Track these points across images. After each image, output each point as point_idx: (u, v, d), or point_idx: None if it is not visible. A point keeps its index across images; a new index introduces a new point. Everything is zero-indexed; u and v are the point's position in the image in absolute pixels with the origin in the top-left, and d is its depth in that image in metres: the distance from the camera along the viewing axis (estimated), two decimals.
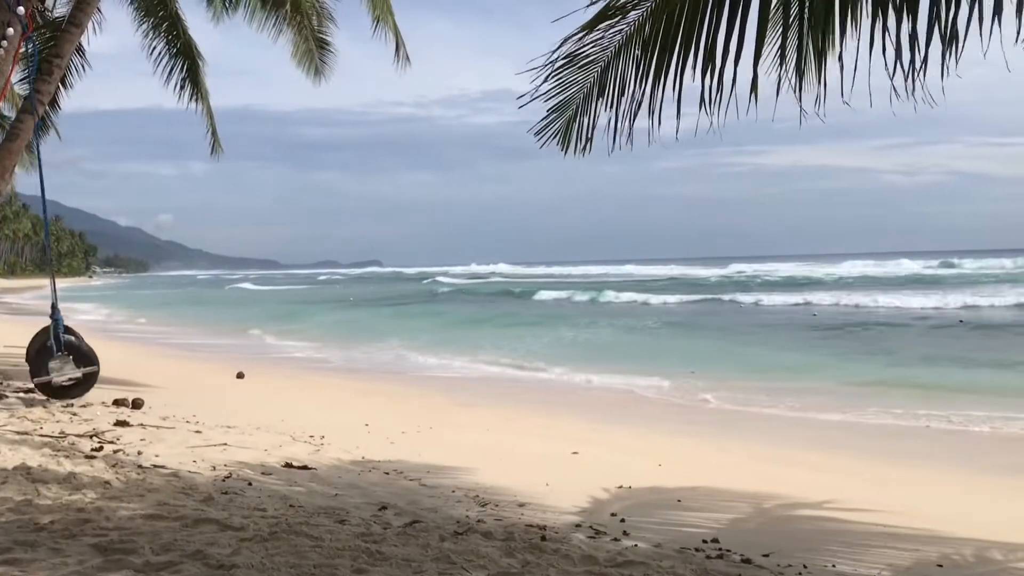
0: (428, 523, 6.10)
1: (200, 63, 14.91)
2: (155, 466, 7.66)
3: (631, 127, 4.21)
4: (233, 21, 14.19)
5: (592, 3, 4.09)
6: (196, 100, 15.14)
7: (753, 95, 3.70)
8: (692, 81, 3.87)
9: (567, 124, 4.60)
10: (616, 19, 4.18)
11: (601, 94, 4.40)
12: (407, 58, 14.97)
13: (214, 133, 16.08)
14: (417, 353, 23.20)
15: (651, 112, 4.08)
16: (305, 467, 8.34)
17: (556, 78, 4.43)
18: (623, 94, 4.26)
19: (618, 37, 4.25)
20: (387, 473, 8.40)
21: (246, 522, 5.64)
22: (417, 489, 7.73)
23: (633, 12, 4.14)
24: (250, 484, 7.27)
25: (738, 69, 3.74)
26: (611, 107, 4.33)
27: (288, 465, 8.35)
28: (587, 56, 4.38)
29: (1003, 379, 16.36)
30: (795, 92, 3.62)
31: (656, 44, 4.04)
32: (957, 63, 3.18)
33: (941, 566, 5.92)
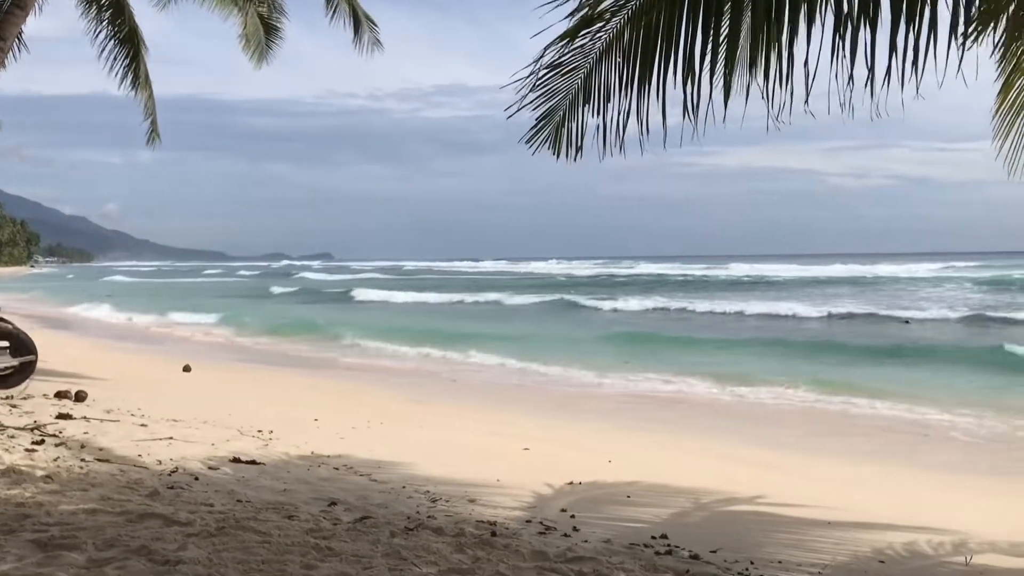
0: (378, 519, 6.07)
1: (143, 50, 14.61)
2: (99, 460, 7.51)
3: (623, 133, 4.25)
4: (182, 7, 13.96)
5: (570, 14, 4.13)
6: (139, 88, 14.85)
7: (725, 102, 3.78)
8: (674, 88, 3.93)
9: (556, 131, 4.64)
10: (596, 27, 4.21)
11: (587, 100, 4.45)
12: (377, 41, 14.80)
13: (154, 122, 15.75)
14: None
15: (639, 119, 4.13)
16: (253, 462, 8.23)
17: (541, 87, 4.47)
18: (609, 100, 4.30)
19: (599, 44, 4.29)
20: (337, 468, 8.34)
21: (192, 517, 5.55)
22: (367, 485, 7.68)
23: (613, 19, 4.18)
24: (197, 479, 7.16)
25: (713, 76, 3.81)
26: (598, 113, 4.37)
27: (236, 460, 8.24)
28: (570, 64, 4.42)
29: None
30: (764, 98, 3.68)
31: (636, 51, 4.10)
32: (918, 79, 3.28)
33: (882, 562, 6.05)
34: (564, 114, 4.59)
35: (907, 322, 29.69)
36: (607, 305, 39.80)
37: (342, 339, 25.94)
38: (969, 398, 14.20)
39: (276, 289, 61.45)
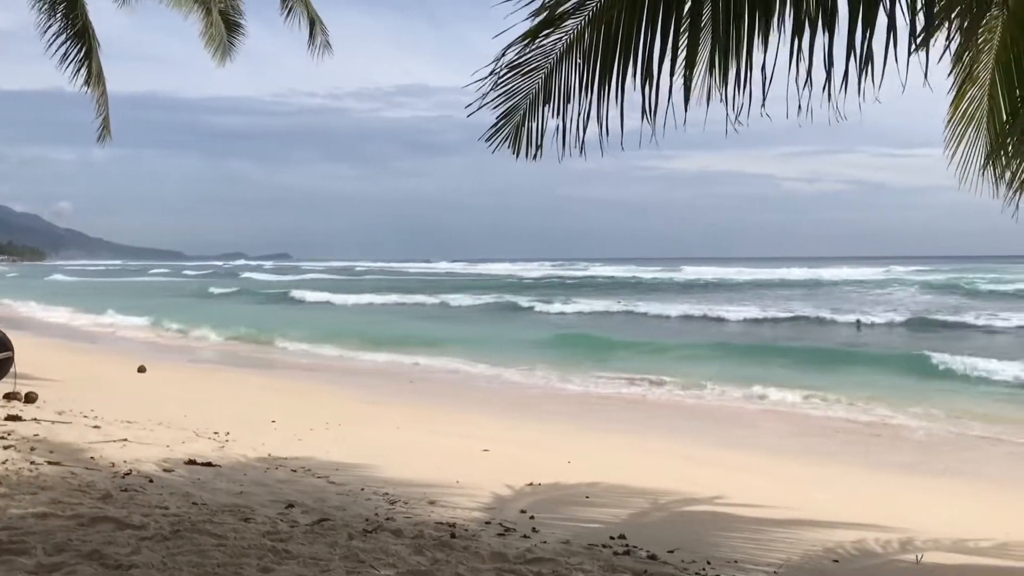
0: (336, 521, 6.03)
1: (96, 46, 14.34)
2: (49, 462, 7.36)
3: (583, 135, 4.26)
4: (142, 4, 13.74)
5: (532, 13, 4.13)
6: (92, 85, 14.56)
7: (685, 104, 3.80)
8: (633, 91, 3.95)
9: (516, 130, 4.64)
10: (556, 27, 4.23)
11: (547, 100, 4.46)
12: (327, 44, 14.68)
13: (106, 119, 15.46)
14: None
15: (599, 120, 4.14)
16: (209, 464, 8.13)
17: (502, 86, 4.47)
18: (569, 101, 4.32)
19: (559, 45, 4.31)
20: (294, 470, 8.26)
21: (146, 520, 5.47)
22: (325, 487, 7.62)
23: (572, 20, 4.20)
24: (151, 481, 7.05)
25: (673, 78, 3.83)
26: (558, 114, 4.38)
27: (191, 462, 8.12)
28: (531, 64, 4.43)
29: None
30: (724, 102, 3.72)
31: (596, 53, 4.11)
32: (876, 86, 3.33)
33: (836, 561, 6.15)
34: (524, 114, 4.60)
35: (859, 326, 30.11)
36: (554, 308, 39.32)
37: (261, 340, 26.12)
38: (918, 400, 14.47)
39: (215, 290, 60.01)
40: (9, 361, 11.27)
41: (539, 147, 4.58)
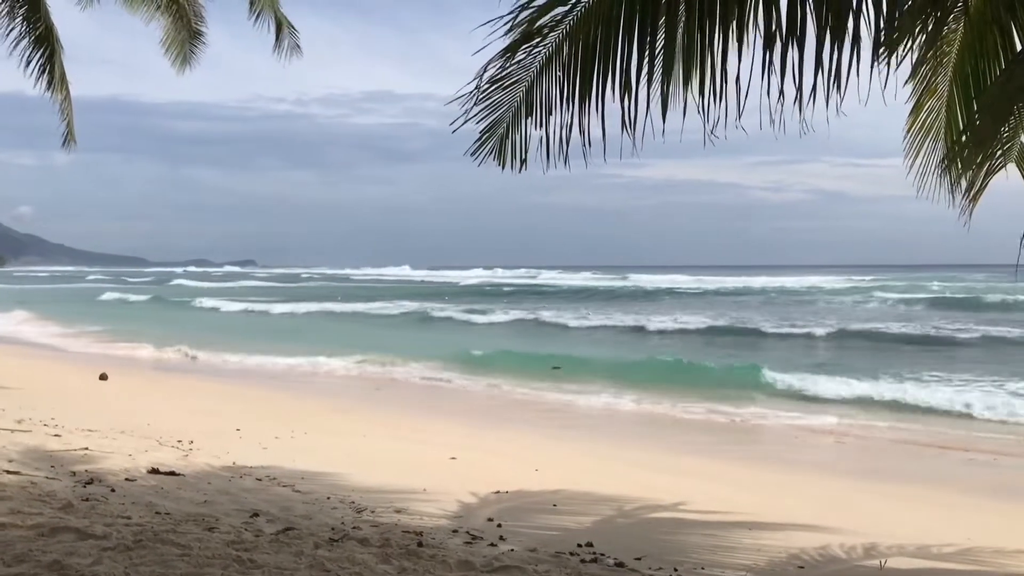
0: (302, 530, 5.98)
1: (60, 50, 14.15)
2: (8, 472, 7.22)
3: (566, 146, 4.29)
4: (103, 6, 13.57)
5: (509, 30, 4.17)
6: (55, 89, 14.36)
7: (663, 116, 3.87)
8: (613, 102, 4.00)
9: (500, 143, 4.67)
10: (535, 42, 4.26)
11: (529, 113, 4.49)
12: (296, 47, 14.59)
13: (69, 124, 15.26)
14: None
15: (581, 131, 4.18)
16: (172, 473, 8.03)
17: (484, 100, 4.50)
18: (551, 113, 4.35)
19: (539, 59, 4.35)
20: (259, 479, 8.19)
21: (109, 530, 5.39)
22: (291, 495, 7.56)
23: (551, 35, 4.24)
24: (113, 490, 6.95)
25: (650, 89, 3.89)
26: (541, 126, 4.41)
27: (154, 471, 8.02)
28: (512, 77, 4.47)
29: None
30: (700, 113, 3.77)
31: (576, 66, 4.16)
32: (842, 98, 3.41)
33: (801, 567, 6.22)
34: (508, 126, 4.63)
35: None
36: (476, 318, 38.03)
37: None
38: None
39: (108, 296, 58.31)
40: None
41: (523, 160, 4.62)
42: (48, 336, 29.03)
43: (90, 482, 7.22)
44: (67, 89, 14.70)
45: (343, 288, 72.66)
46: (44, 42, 13.92)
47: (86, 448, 8.79)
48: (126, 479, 7.53)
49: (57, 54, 14.19)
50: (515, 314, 38.69)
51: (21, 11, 13.68)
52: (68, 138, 15.33)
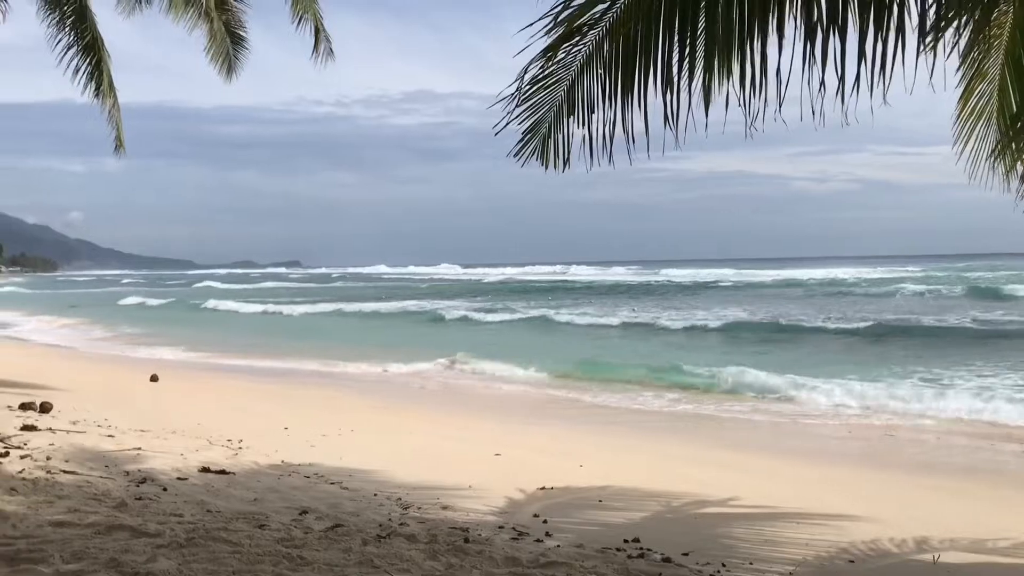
0: (350, 527, 6.04)
1: (107, 58, 14.43)
2: (65, 471, 7.40)
3: (610, 143, 4.29)
4: (147, 15, 13.80)
5: (549, 30, 4.17)
6: (103, 97, 14.64)
7: (706, 110, 3.86)
8: (655, 98, 3.98)
9: (543, 143, 4.67)
10: (575, 40, 4.26)
11: (571, 112, 4.49)
12: (330, 52, 14.72)
13: (119, 131, 15.54)
14: None
15: (624, 128, 4.18)
16: (223, 471, 8.16)
17: (526, 101, 4.51)
18: (593, 111, 4.35)
19: (579, 57, 4.35)
20: (307, 477, 8.28)
21: (162, 528, 5.49)
22: (338, 493, 7.64)
23: (591, 32, 4.23)
24: (165, 489, 7.08)
25: (693, 84, 3.87)
26: (583, 124, 4.41)
27: (205, 469, 8.16)
28: (553, 77, 4.47)
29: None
30: (741, 106, 3.75)
31: (616, 63, 4.16)
32: (887, 88, 3.36)
33: (852, 561, 6.13)
34: (550, 126, 4.62)
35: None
36: (478, 316, 37.12)
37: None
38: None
39: (129, 300, 57.98)
40: None
41: (566, 159, 4.61)
42: (67, 338, 30.04)
43: (143, 481, 7.36)
44: (115, 96, 15.00)
45: (360, 288, 72.87)
46: (91, 51, 14.21)
47: (139, 448, 8.96)
48: (177, 478, 7.66)
49: (104, 62, 14.48)
50: (527, 312, 37.99)
51: (69, 21, 13.98)
52: (117, 144, 15.64)
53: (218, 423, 11.13)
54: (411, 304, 46.42)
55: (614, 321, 32.98)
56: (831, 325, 29.38)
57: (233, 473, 8.13)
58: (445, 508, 7.15)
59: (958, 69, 5.25)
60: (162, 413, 11.86)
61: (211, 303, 50.42)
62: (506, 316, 36.84)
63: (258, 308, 47.39)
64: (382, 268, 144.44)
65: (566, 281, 73.39)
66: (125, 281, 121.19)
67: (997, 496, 8.88)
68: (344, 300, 50.82)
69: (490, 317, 36.72)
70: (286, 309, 45.26)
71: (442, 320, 37.36)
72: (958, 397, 14.40)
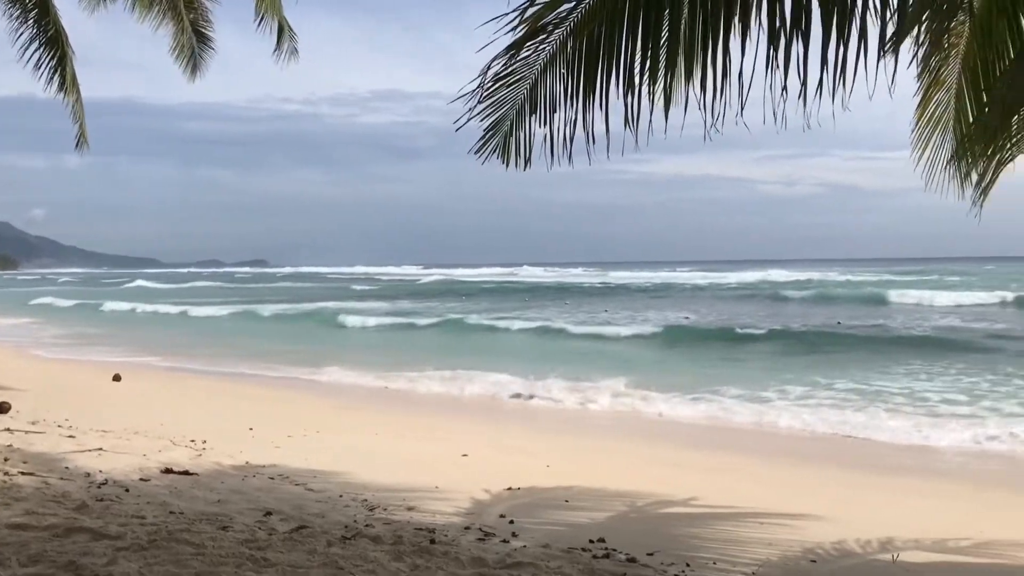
0: (315, 528, 6.01)
1: (71, 53, 14.21)
2: (23, 473, 7.28)
3: (570, 143, 4.28)
4: (111, 11, 13.62)
5: (514, 27, 4.16)
6: (66, 92, 14.42)
7: (666, 112, 3.86)
8: (617, 99, 3.98)
9: (504, 140, 4.65)
10: (539, 38, 4.26)
11: (533, 110, 4.48)
12: (294, 51, 14.60)
13: (82, 126, 15.31)
14: None
15: (585, 129, 4.18)
16: (186, 472, 8.08)
17: (488, 97, 4.48)
18: (555, 110, 4.34)
19: (543, 56, 4.34)
20: (272, 478, 8.22)
21: (123, 530, 5.43)
22: (303, 494, 7.59)
23: (556, 31, 4.23)
24: (127, 491, 7.00)
25: (654, 86, 3.88)
26: (545, 123, 4.40)
27: (168, 471, 8.07)
28: (516, 75, 4.45)
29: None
30: (701, 109, 3.76)
31: (580, 63, 4.16)
32: (848, 93, 3.40)
33: (813, 561, 6.20)
34: (512, 124, 4.61)
35: (838, 323, 30.30)
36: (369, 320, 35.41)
37: None
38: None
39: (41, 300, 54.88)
40: None
41: (527, 158, 4.60)
42: None
43: (104, 483, 7.27)
44: (78, 92, 14.76)
45: (298, 290, 71.47)
46: (54, 45, 13.98)
47: (100, 448, 8.85)
48: (140, 479, 7.58)
49: (67, 57, 14.25)
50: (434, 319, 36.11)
51: (32, 15, 13.74)
52: (81, 140, 15.39)
53: (181, 424, 11.00)
54: (308, 306, 44.95)
55: (514, 325, 31.46)
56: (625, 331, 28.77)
57: (196, 474, 8.06)
58: (411, 509, 7.13)
59: (917, 77, 5.35)
60: (124, 413, 11.71)
61: (108, 306, 48.36)
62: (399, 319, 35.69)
63: (162, 309, 45.61)
64: (342, 268, 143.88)
65: (511, 282, 73.19)
66: (62, 280, 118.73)
67: (958, 497, 9.03)
68: (259, 302, 49.59)
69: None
70: (192, 310, 43.42)
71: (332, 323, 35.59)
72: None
